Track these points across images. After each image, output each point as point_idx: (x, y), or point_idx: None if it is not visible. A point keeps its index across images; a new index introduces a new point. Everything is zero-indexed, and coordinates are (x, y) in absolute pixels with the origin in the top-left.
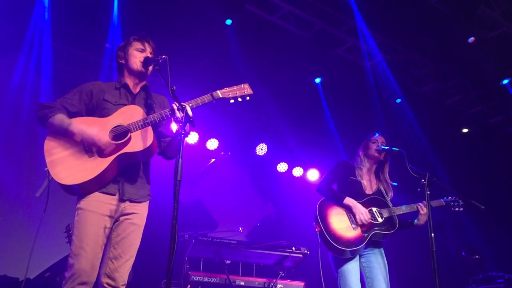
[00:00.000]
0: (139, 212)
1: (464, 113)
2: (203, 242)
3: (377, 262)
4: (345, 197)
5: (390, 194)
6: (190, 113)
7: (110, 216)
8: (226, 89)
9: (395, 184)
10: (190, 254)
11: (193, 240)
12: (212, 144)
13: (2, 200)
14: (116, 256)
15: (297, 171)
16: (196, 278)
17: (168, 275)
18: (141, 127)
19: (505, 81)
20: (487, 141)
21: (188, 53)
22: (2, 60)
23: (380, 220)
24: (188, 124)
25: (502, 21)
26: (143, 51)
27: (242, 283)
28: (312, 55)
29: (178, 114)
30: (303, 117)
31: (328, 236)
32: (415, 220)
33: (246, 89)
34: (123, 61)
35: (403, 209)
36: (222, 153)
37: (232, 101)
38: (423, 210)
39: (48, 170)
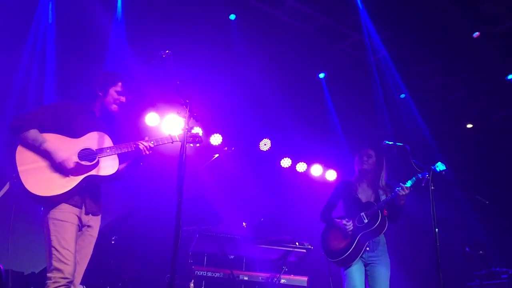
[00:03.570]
0: (95, 226)
1: (468, 108)
2: (207, 237)
3: (379, 273)
4: (333, 221)
5: (390, 195)
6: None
7: (78, 225)
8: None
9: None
10: (193, 249)
11: (197, 235)
12: (216, 139)
13: (5, 195)
14: (78, 261)
15: (301, 167)
16: (199, 273)
17: (172, 270)
18: (109, 154)
19: (510, 76)
20: (491, 136)
21: (192, 48)
22: (5, 56)
23: (366, 221)
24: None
25: (507, 16)
26: (121, 94)
27: (246, 278)
28: (316, 49)
29: (143, 152)
30: (307, 112)
31: (326, 255)
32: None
33: (199, 137)
34: (100, 94)
35: (385, 201)
36: (226, 148)
37: (191, 145)
38: (401, 192)
39: (17, 176)
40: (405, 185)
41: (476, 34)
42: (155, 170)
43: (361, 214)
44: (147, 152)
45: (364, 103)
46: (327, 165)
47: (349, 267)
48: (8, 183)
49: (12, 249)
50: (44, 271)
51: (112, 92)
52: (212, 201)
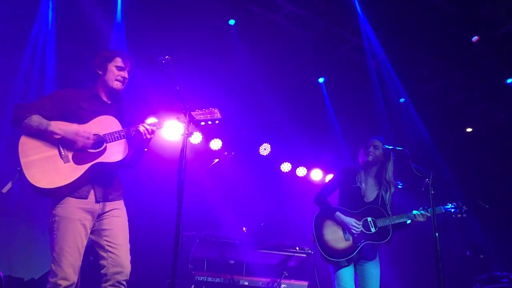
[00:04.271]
0: (119, 207)
1: (468, 112)
2: (207, 242)
3: (370, 273)
4: (335, 212)
5: (393, 190)
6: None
7: (86, 219)
8: (198, 111)
9: (400, 185)
10: (194, 254)
11: (197, 240)
12: (216, 144)
13: (4, 200)
14: (114, 247)
15: (301, 171)
16: (200, 278)
17: (172, 275)
18: (117, 139)
19: (510, 80)
20: (491, 140)
21: (192, 53)
22: (6, 59)
23: (373, 230)
24: (191, 125)
25: (507, 19)
26: (122, 69)
27: (246, 283)
28: (315, 54)
29: (144, 136)
30: (306, 117)
31: (320, 249)
32: (409, 221)
33: (216, 113)
34: (100, 72)
35: (398, 219)
36: (226, 153)
37: (202, 123)
38: (418, 218)
39: (21, 170)
40: (426, 213)
41: (475, 38)
42: (155, 174)
43: (368, 220)
44: (148, 136)
45: (364, 106)
46: (327, 170)
47: (341, 268)
48: (10, 182)
49: (12, 255)
50: (44, 277)
51: (112, 67)
52: (212, 206)
